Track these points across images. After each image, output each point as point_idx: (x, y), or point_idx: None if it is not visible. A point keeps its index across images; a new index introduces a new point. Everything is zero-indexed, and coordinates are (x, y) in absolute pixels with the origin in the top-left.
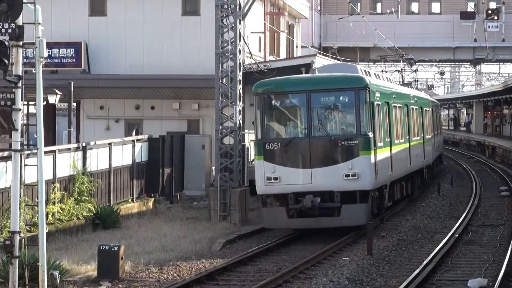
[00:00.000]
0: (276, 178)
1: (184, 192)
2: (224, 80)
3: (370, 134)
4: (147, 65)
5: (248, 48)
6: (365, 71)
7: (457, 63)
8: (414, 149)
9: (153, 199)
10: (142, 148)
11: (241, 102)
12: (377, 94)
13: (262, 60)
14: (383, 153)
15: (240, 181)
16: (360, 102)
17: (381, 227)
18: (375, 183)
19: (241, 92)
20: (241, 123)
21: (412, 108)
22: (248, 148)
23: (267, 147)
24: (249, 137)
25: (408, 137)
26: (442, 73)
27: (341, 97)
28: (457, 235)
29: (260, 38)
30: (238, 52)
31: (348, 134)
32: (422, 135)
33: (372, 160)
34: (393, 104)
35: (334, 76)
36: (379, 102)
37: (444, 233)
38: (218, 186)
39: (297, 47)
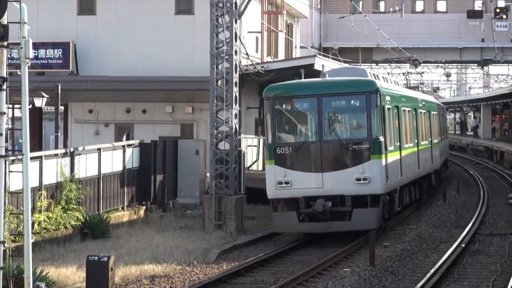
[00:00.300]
0: (287, 182)
1: (177, 200)
2: (219, 82)
3: (381, 138)
4: (139, 67)
5: (245, 48)
6: (374, 74)
7: (463, 64)
8: (422, 153)
9: (144, 207)
10: (133, 154)
11: (237, 105)
12: (388, 98)
13: (259, 61)
14: (393, 157)
15: (236, 189)
16: (371, 106)
17: (384, 236)
18: (386, 187)
19: (237, 95)
20: (237, 127)
21: (420, 112)
22: (244, 153)
23: (278, 151)
24: (246, 142)
25: (416, 141)
26: (448, 75)
27: (352, 101)
28: (463, 245)
29: (257, 38)
30: (234, 53)
31: (359, 138)
32: (430, 139)
33: (383, 164)
34: (403, 108)
35: (345, 80)
36: (389, 106)
37: (450, 242)
38: (213, 194)
39: (296, 47)
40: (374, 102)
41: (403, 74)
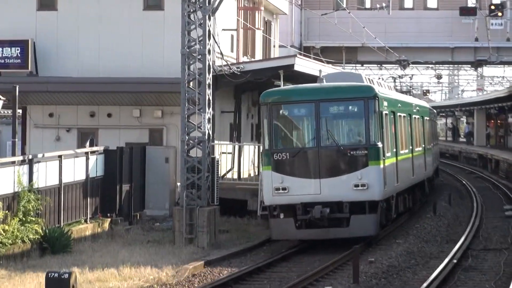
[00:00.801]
0: (284, 189)
1: (145, 212)
2: (191, 84)
3: (380, 144)
4: (103, 67)
5: (219, 47)
6: (369, 79)
7: (456, 66)
8: (416, 160)
9: (109, 219)
10: (97, 162)
11: (211, 109)
12: (385, 103)
13: (235, 61)
14: (390, 164)
15: (209, 199)
16: (369, 111)
17: (369, 251)
18: (384, 193)
19: (211, 98)
20: (211, 132)
21: (415, 118)
22: (218, 161)
23: (275, 157)
24: (219, 149)
25: (411, 147)
26: (439, 77)
27: (350, 107)
28: (455, 261)
29: (232, 36)
30: (207, 52)
31: (357, 144)
32: (423, 145)
33: (382, 170)
34: (398, 114)
35: (343, 86)
36: (386, 112)
37: (440, 258)
38: (184, 205)
39: (274, 47)
40: (373, 107)
41: (393, 78)
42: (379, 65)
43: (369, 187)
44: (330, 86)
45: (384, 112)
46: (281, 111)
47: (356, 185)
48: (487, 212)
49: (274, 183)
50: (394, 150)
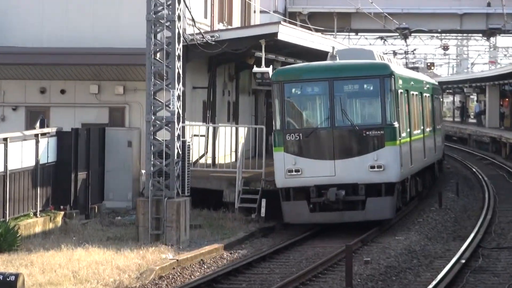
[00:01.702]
0: (297, 171)
1: (104, 204)
2: (158, 55)
3: (396, 124)
4: (55, 36)
5: (190, 13)
6: (380, 56)
7: (465, 35)
8: (427, 141)
9: (62, 212)
10: (48, 145)
11: (181, 84)
12: (400, 82)
13: (209, 29)
14: (405, 145)
15: (179, 190)
16: (385, 90)
17: (365, 249)
18: (401, 175)
19: (181, 71)
20: (181, 112)
21: (425, 96)
22: (189, 145)
23: (288, 137)
24: (191, 131)
25: (422, 127)
26: (445, 48)
27: (365, 85)
28: (463, 261)
29: (206, 0)
30: (176, 18)
31: (373, 124)
32: (433, 125)
33: (398, 151)
34: (411, 92)
35: (357, 63)
36: (401, 90)
37: (446, 258)
38: (150, 196)
39: (255, 12)
40: (388, 86)
41: (394, 52)
42: (378, 35)
43: (385, 169)
44: (345, 63)
45: (399, 91)
46: (293, 90)
47: (372, 167)
48: (501, 204)
49: (287, 164)
50: (408, 130)
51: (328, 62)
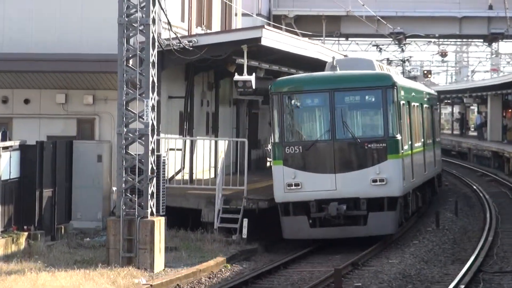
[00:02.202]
0: (297, 185)
1: (72, 224)
2: (130, 62)
3: (399, 136)
4: (17, 40)
5: (166, 16)
6: (380, 65)
7: (464, 40)
8: (427, 154)
9: (26, 233)
10: (11, 160)
11: (155, 93)
12: (402, 93)
13: (186, 33)
14: (407, 158)
15: (153, 208)
16: (388, 101)
17: (356, 273)
18: (403, 189)
19: (156, 79)
20: (155, 123)
21: (425, 107)
22: (165, 159)
23: (287, 150)
24: (167, 144)
25: (423, 140)
26: (443, 54)
27: (367, 96)
28: (463, 286)
29: (183, 2)
30: (151, 22)
31: (375, 136)
32: (433, 138)
33: (401, 164)
34: (412, 103)
35: (359, 74)
36: (403, 101)
37: (444, 283)
38: (121, 215)
39: (236, 15)
40: (391, 97)
41: (387, 60)
42: (370, 40)
43: (388, 182)
44: (346, 74)
45: (401, 102)
46: (292, 101)
47: (374, 180)
48: (504, 224)
49: (286, 178)
50: (410, 142)
51: (328, 72)
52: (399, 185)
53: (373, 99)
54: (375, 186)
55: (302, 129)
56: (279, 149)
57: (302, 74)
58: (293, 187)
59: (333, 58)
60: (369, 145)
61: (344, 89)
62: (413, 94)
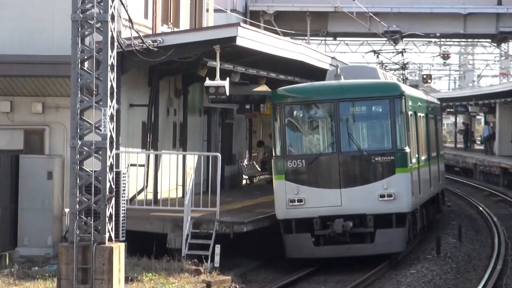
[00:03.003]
0: (300, 200)
1: (18, 251)
2: (86, 64)
3: (407, 149)
4: None
5: (127, 12)
6: (383, 73)
7: (470, 40)
8: (432, 168)
9: None
10: None
11: (114, 101)
12: (410, 103)
13: (150, 32)
14: (415, 172)
15: (112, 233)
16: (396, 112)
17: None
18: (412, 204)
19: (115, 85)
20: (114, 135)
21: (430, 118)
22: (125, 177)
23: (289, 164)
24: (127, 159)
25: (428, 153)
26: (445, 56)
27: (374, 107)
28: None
29: None
30: (109, 19)
31: (383, 149)
32: (437, 151)
33: (410, 179)
34: (419, 114)
35: (365, 83)
36: (411, 112)
37: None
38: (75, 241)
39: (208, 11)
40: (399, 107)
41: (375, 52)
42: (361, 40)
43: (396, 198)
44: (351, 83)
45: (409, 113)
46: (294, 112)
47: (382, 196)
48: None
49: (288, 194)
50: (417, 156)
51: (332, 82)
52: (408, 201)
53: (380, 110)
54: (382, 201)
55: (306, 141)
56: (281, 163)
57: (305, 84)
58: (296, 203)
59: (337, 66)
60: (376, 158)
61: (350, 99)
62: (419, 104)
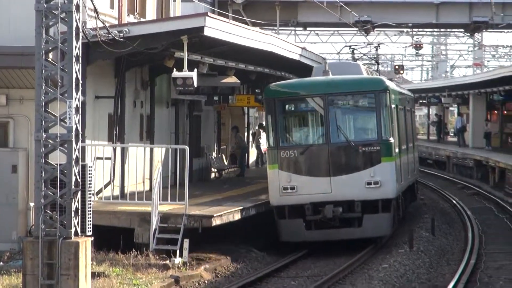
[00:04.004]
0: (292, 188)
1: None
2: (50, 55)
3: (392, 140)
4: None
5: (92, 2)
6: (365, 69)
7: (442, 30)
8: (410, 158)
9: None
10: None
11: (80, 93)
12: (393, 96)
13: (116, 22)
14: (398, 161)
15: (78, 228)
16: (381, 105)
17: None
18: (396, 191)
19: (80, 76)
20: (80, 128)
21: (407, 110)
22: (91, 170)
23: (282, 154)
24: (93, 153)
25: (406, 143)
26: (418, 47)
27: (361, 101)
28: None
29: None
30: (74, 9)
31: (369, 140)
32: (413, 141)
33: (394, 167)
34: (399, 106)
35: (352, 78)
36: (393, 105)
37: None
38: (40, 236)
39: (175, 1)
40: (384, 101)
41: (350, 48)
42: (332, 30)
43: (382, 185)
44: (339, 79)
45: (392, 106)
46: (287, 106)
47: (369, 183)
48: (488, 245)
49: (282, 182)
50: (398, 146)
51: (321, 77)
52: (392, 187)
53: (367, 103)
54: (369, 188)
55: (297, 133)
56: (274, 153)
57: (296, 79)
58: (289, 190)
59: (325, 62)
60: (363, 148)
61: (338, 94)
62: (399, 97)
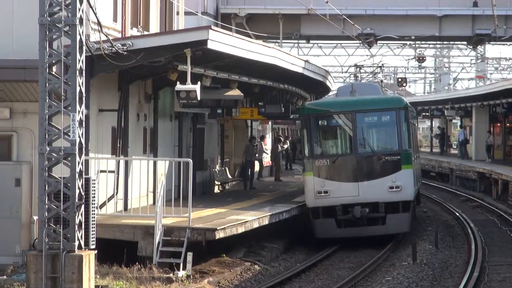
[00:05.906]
0: (325, 192)
1: None
2: (54, 68)
3: (410, 150)
4: None
5: (96, 15)
6: (383, 89)
7: (445, 43)
8: (417, 166)
9: None
10: None
11: (83, 106)
12: (409, 113)
13: (120, 35)
14: (414, 168)
15: (81, 241)
16: (401, 120)
17: None
18: (414, 194)
19: (84, 89)
20: (83, 141)
21: (413, 123)
22: (95, 183)
23: (317, 163)
24: (97, 166)
25: (416, 154)
26: (421, 59)
27: (383, 117)
28: None
29: None
30: (78, 22)
31: (391, 150)
32: (418, 153)
33: (412, 173)
34: (410, 120)
35: (376, 98)
36: (410, 120)
37: None
38: (44, 249)
39: (178, 14)
40: (403, 117)
41: (357, 67)
42: (335, 43)
43: (402, 189)
44: (365, 98)
45: (410, 120)
46: (320, 122)
47: (391, 187)
48: (492, 257)
49: (316, 187)
50: (414, 155)
51: (348, 97)
52: (411, 191)
53: (389, 119)
54: (391, 192)
55: (329, 145)
56: (310, 162)
57: (328, 99)
58: (322, 194)
59: (352, 84)
60: (386, 158)
61: (364, 111)
62: (410, 111)
